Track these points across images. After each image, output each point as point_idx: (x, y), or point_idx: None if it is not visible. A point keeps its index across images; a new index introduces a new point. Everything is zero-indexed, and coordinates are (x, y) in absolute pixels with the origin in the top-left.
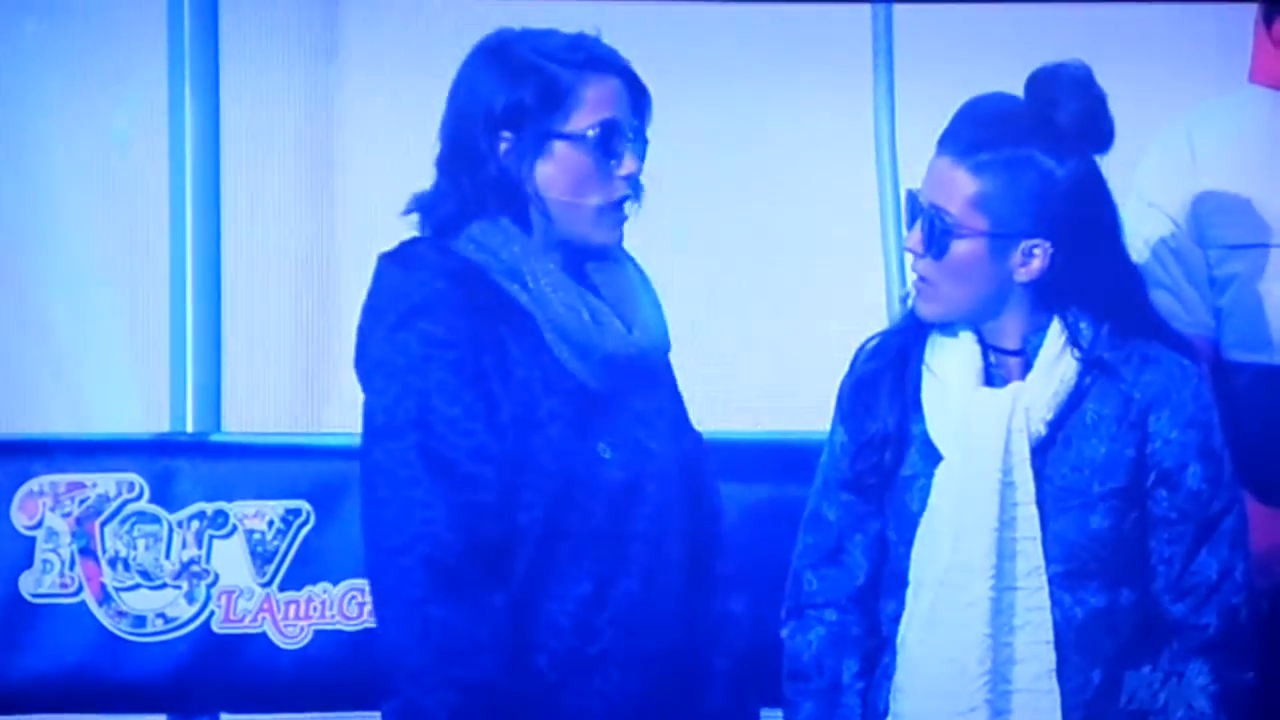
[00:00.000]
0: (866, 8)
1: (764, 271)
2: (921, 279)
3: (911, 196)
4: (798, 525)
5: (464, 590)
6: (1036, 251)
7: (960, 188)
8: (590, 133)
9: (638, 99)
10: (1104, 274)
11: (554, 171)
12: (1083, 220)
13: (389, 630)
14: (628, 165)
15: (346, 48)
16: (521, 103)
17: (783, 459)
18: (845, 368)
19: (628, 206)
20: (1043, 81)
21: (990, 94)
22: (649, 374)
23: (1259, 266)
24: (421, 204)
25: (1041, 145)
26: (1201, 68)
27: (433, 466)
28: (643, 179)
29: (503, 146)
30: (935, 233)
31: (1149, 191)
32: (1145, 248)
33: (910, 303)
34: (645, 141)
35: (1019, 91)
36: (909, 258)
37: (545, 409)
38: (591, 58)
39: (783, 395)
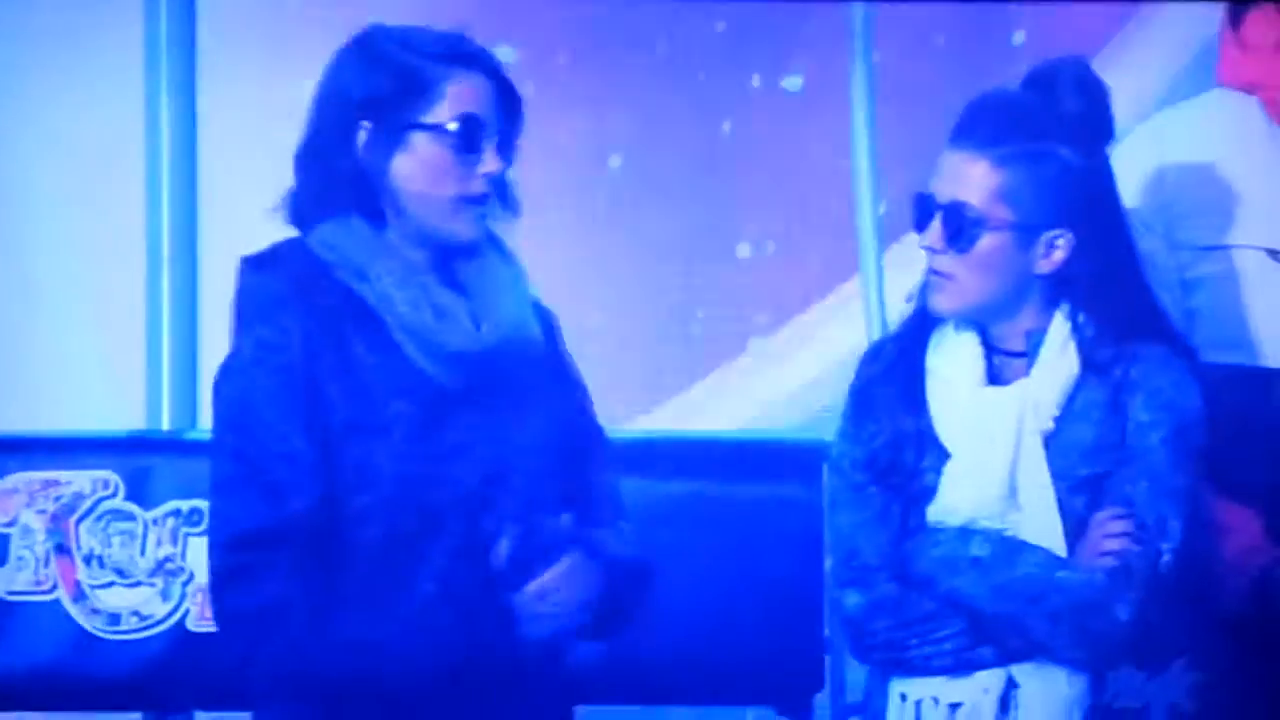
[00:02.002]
0: (846, 8)
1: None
2: (941, 275)
3: (923, 197)
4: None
5: (225, 599)
6: (1059, 243)
7: (983, 180)
8: (451, 125)
9: (508, 102)
10: (1115, 266)
11: (412, 164)
12: (1099, 211)
13: None
14: (489, 164)
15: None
16: (379, 92)
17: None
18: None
19: (504, 211)
20: (1045, 76)
21: (997, 89)
22: (513, 371)
23: (1230, 267)
24: (284, 200)
25: (1057, 137)
26: (1175, 70)
27: (239, 474)
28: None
29: (361, 137)
30: (960, 226)
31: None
32: None
33: (915, 303)
34: (512, 146)
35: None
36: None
37: (391, 412)
38: (458, 54)
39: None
